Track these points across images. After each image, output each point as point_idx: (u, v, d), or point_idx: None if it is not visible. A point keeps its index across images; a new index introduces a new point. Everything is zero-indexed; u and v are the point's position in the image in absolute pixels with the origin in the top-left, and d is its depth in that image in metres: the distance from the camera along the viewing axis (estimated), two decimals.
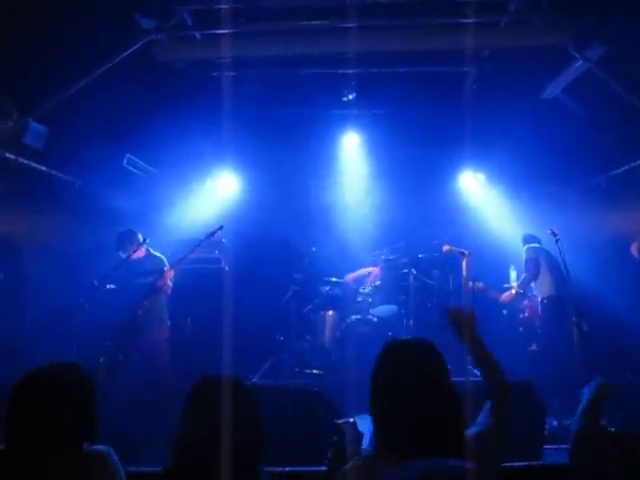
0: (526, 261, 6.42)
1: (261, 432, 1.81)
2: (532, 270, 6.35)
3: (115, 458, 1.90)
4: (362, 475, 1.68)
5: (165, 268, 5.57)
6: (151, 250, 5.73)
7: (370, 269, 7.52)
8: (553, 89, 6.41)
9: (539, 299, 6.40)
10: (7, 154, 5.36)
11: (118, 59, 5.48)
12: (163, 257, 5.75)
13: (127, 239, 5.54)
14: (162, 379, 5.34)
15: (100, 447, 1.90)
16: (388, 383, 1.78)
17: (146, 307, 5.46)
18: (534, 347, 6.52)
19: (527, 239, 6.65)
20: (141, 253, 5.62)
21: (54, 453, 1.79)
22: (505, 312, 7.26)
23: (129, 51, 5.46)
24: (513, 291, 6.60)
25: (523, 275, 6.51)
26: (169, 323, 5.77)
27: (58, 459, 1.78)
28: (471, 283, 6.27)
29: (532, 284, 6.50)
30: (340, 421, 2.27)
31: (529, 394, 3.81)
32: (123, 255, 5.44)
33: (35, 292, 5.86)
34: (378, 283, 7.26)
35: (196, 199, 7.88)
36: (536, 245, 6.52)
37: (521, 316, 6.73)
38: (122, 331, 5.49)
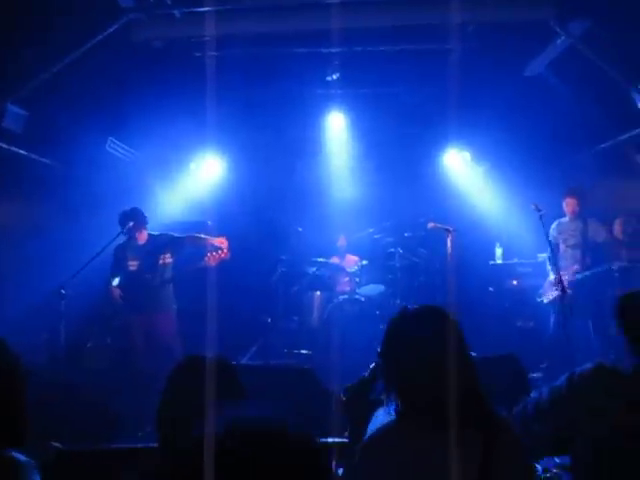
0: None
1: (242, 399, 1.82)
2: None
3: (34, 476, 1.46)
4: (382, 447, 1.60)
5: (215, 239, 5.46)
6: (152, 233, 5.65)
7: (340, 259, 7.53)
8: (536, 66, 6.40)
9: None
10: None
11: (97, 39, 5.37)
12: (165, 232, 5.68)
13: (133, 218, 5.42)
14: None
15: (19, 457, 1.46)
16: (405, 356, 1.66)
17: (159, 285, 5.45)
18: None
19: None
20: (144, 236, 5.55)
21: None
22: (491, 289, 7.34)
23: (108, 31, 5.35)
24: None
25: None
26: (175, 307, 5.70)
27: None
28: None
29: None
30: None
31: (513, 367, 3.86)
32: (125, 235, 5.38)
33: (17, 278, 5.80)
34: (365, 262, 7.29)
35: (180, 181, 7.82)
36: None
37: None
38: (112, 314, 5.48)
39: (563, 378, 1.92)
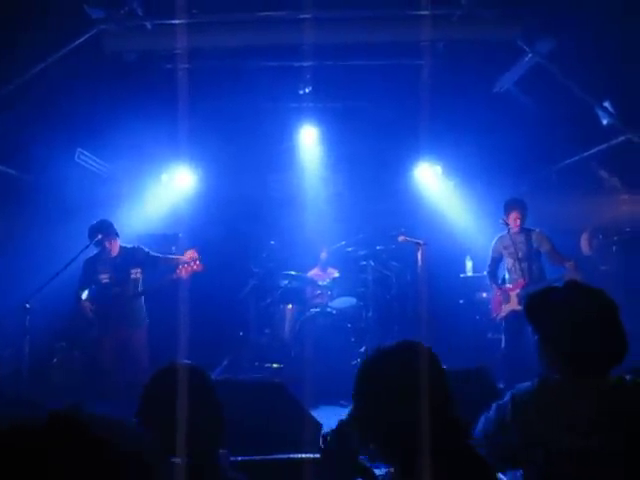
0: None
1: (219, 416, 1.81)
2: None
3: None
4: None
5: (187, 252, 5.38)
6: (125, 245, 5.51)
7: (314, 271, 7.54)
8: (504, 83, 6.55)
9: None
10: None
11: (66, 50, 5.31)
12: (140, 246, 5.57)
13: (100, 231, 5.27)
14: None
15: None
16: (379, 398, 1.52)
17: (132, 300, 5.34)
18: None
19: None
20: (116, 249, 5.43)
21: None
22: (462, 301, 7.42)
23: (78, 42, 5.29)
24: None
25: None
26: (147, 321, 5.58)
27: None
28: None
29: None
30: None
31: (483, 380, 3.90)
32: (97, 248, 5.28)
33: None
34: (337, 275, 7.30)
35: (151, 194, 7.74)
36: None
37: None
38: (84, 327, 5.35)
39: (508, 397, 1.82)
